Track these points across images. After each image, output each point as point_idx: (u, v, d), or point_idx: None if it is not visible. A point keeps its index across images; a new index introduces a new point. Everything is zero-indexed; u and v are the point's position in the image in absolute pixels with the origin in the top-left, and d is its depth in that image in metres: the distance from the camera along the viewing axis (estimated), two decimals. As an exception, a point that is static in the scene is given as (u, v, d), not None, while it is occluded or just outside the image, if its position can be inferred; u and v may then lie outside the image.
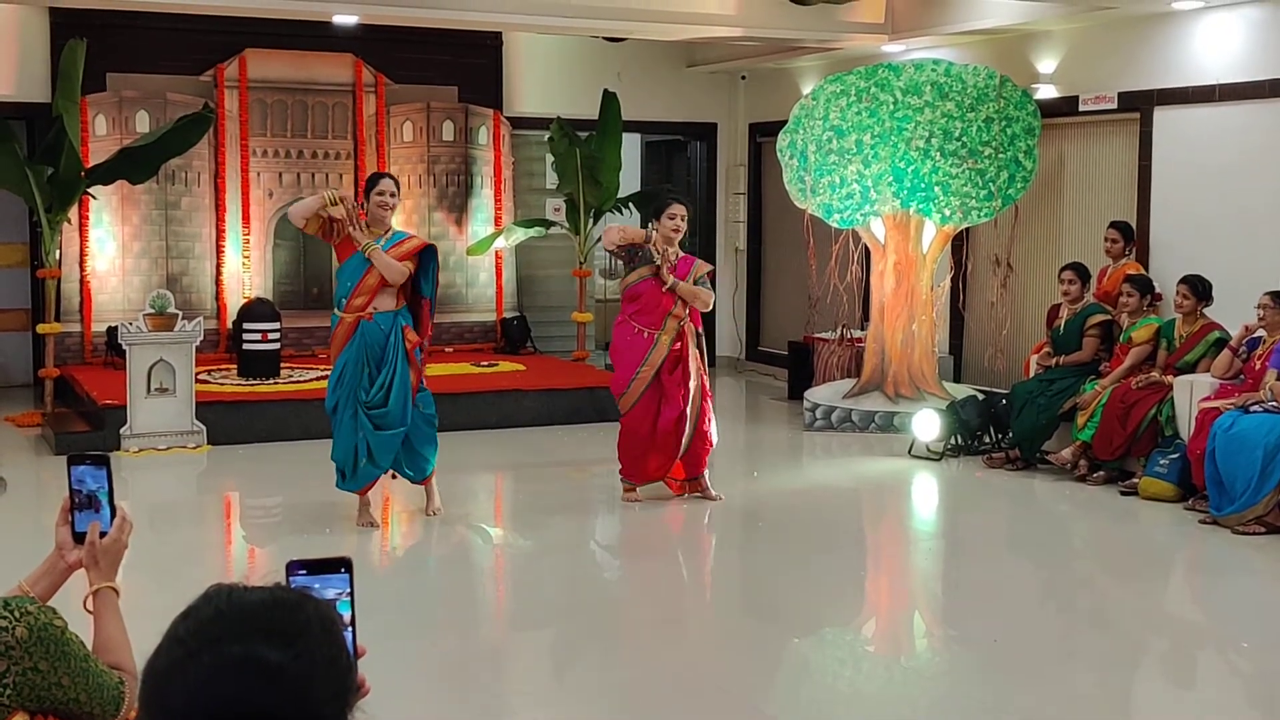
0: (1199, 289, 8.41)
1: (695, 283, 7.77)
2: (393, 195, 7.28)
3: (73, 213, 10.51)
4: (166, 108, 11.44)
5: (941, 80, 10.21)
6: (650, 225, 7.92)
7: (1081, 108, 10.13)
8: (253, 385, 10.30)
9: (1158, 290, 9.01)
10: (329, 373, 7.43)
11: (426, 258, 7.37)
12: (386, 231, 7.29)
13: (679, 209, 7.74)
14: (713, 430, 7.97)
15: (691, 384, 7.78)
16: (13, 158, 9.84)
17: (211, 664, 1.38)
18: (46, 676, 2.18)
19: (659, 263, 7.71)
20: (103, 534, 2.42)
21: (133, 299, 11.32)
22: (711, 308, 7.92)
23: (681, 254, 7.84)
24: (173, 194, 11.67)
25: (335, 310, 7.37)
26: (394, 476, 7.63)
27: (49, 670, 2.18)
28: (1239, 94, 8.96)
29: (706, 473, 8.05)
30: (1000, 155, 10.14)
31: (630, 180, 13.94)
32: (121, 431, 9.33)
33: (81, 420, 9.97)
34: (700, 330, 7.95)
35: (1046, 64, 10.40)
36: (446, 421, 9.23)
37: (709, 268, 7.98)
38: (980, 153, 10.16)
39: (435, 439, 7.51)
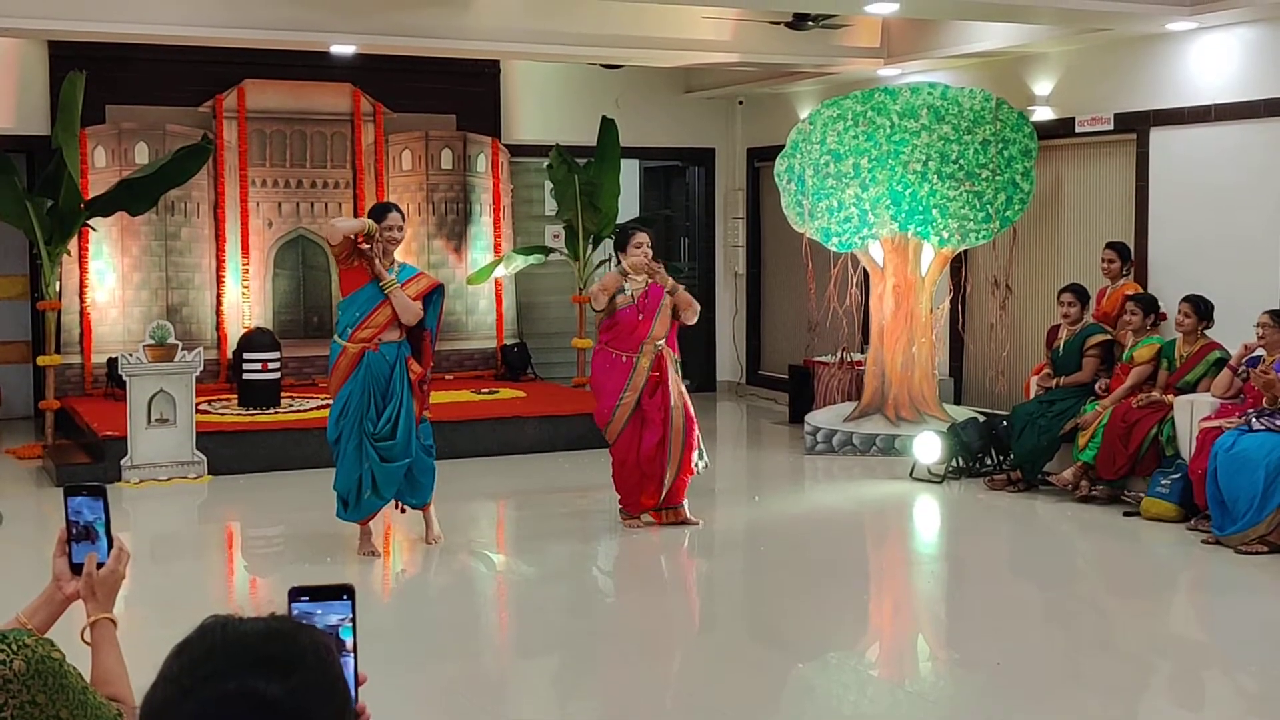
0: (1201, 308, 8.43)
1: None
2: (400, 229, 7.30)
3: (72, 245, 10.52)
4: (165, 139, 11.47)
5: (938, 103, 10.24)
6: (618, 260, 8.02)
7: (1078, 129, 10.15)
8: (253, 415, 10.29)
9: (1162, 310, 9.01)
10: (329, 403, 7.41)
11: (434, 295, 7.42)
12: (393, 264, 7.31)
13: (643, 237, 7.94)
14: (695, 458, 7.95)
15: (673, 408, 7.81)
16: (12, 190, 9.85)
17: (208, 699, 1.37)
18: (45, 710, 2.16)
19: (642, 284, 7.83)
20: (100, 565, 2.41)
21: (133, 330, 11.32)
22: (696, 322, 8.06)
23: (649, 284, 7.93)
24: (172, 225, 11.69)
25: (337, 339, 7.36)
26: (402, 511, 7.63)
27: (47, 703, 2.16)
28: (1234, 114, 8.98)
29: (685, 502, 8.04)
30: (997, 177, 10.16)
31: (629, 206, 13.96)
32: (122, 462, 9.33)
33: (82, 452, 9.97)
34: (679, 356, 8.00)
35: (1042, 86, 10.43)
36: (448, 449, 9.25)
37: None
38: (977, 175, 10.18)
39: (434, 466, 7.52)
